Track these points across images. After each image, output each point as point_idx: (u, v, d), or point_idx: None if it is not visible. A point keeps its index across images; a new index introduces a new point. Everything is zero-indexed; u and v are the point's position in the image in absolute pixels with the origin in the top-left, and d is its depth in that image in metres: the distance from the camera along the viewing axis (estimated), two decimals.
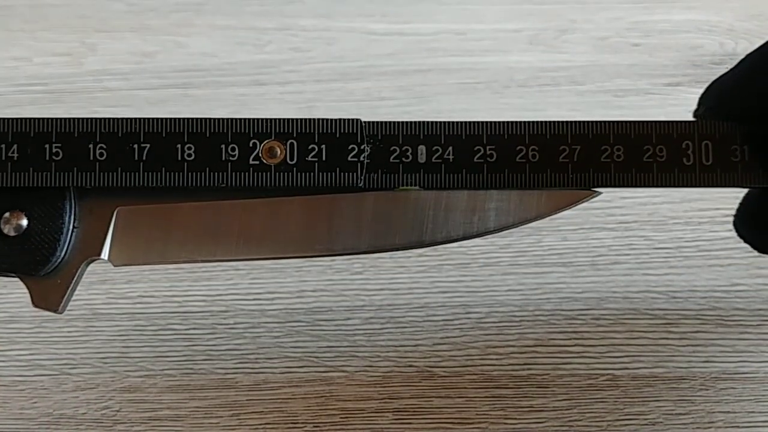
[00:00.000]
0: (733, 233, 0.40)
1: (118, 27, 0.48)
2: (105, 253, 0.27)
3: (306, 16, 0.48)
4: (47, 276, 0.27)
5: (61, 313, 0.27)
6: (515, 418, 0.37)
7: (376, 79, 0.46)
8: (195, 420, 0.37)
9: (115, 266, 0.27)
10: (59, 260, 0.27)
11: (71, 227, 0.27)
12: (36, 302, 0.27)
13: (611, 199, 0.41)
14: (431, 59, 0.46)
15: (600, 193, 0.28)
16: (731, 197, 0.41)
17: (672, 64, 0.46)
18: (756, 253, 0.39)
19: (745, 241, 0.30)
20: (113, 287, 0.40)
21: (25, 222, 0.27)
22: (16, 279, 0.27)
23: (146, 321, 0.39)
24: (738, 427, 0.37)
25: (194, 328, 0.39)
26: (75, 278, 0.27)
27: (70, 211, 0.27)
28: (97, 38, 0.47)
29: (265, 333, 0.39)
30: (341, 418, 0.37)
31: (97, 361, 0.39)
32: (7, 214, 0.27)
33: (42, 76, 0.46)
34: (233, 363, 0.38)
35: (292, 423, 0.37)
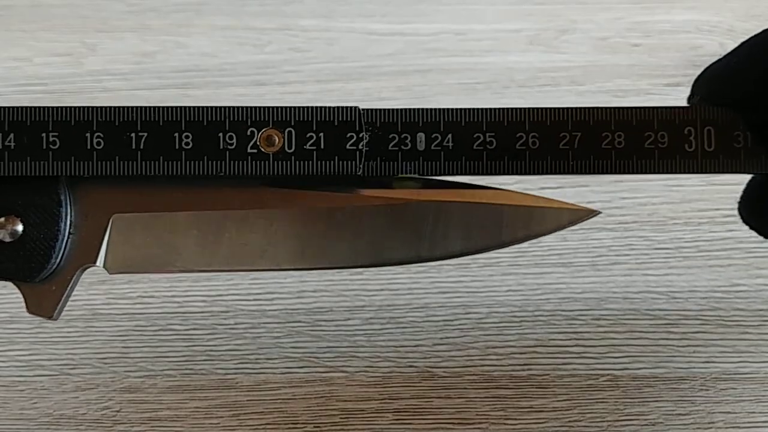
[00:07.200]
0: (733, 233, 0.40)
1: (118, 27, 0.48)
2: (100, 261, 0.27)
3: (306, 16, 0.48)
4: (42, 282, 0.27)
5: (55, 319, 0.27)
6: (515, 419, 0.37)
7: (376, 79, 0.46)
8: (195, 420, 0.37)
9: (110, 274, 0.27)
10: (54, 267, 0.27)
11: (67, 234, 0.27)
12: (30, 308, 0.27)
13: (611, 199, 0.41)
14: (431, 59, 0.46)
15: (600, 212, 0.28)
16: (731, 197, 0.41)
17: (672, 65, 0.46)
18: (756, 254, 0.40)
19: (751, 228, 0.29)
20: (113, 287, 0.40)
21: (20, 228, 0.26)
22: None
23: (146, 321, 0.39)
24: (738, 427, 0.37)
25: (194, 329, 0.39)
26: (70, 285, 0.27)
27: (66, 218, 0.27)
28: (98, 38, 0.47)
29: (265, 333, 0.39)
30: (341, 418, 0.37)
31: (97, 362, 0.39)
32: (1, 220, 0.26)
33: (42, 76, 0.46)
34: (233, 363, 0.38)
35: (292, 423, 0.37)
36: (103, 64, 0.47)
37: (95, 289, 0.40)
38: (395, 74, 0.46)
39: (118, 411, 0.38)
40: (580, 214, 0.28)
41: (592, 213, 0.28)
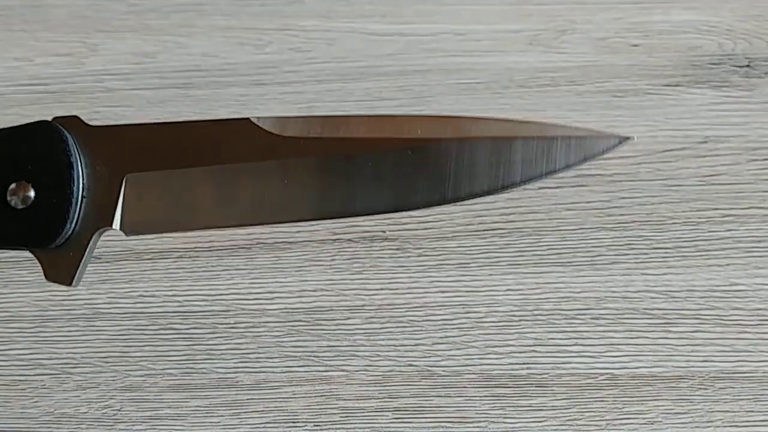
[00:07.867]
0: (732, 233, 0.40)
1: (119, 27, 0.48)
2: (116, 223, 0.26)
3: (306, 16, 0.48)
4: (58, 248, 0.26)
5: (74, 286, 0.26)
6: (515, 417, 0.37)
7: (376, 79, 0.46)
8: (196, 419, 0.37)
9: (127, 235, 0.26)
10: (70, 232, 0.26)
11: (80, 197, 0.26)
12: (48, 276, 0.26)
13: (610, 199, 0.41)
14: (431, 59, 0.46)
15: (632, 138, 0.26)
16: (730, 197, 0.41)
17: (671, 65, 0.46)
18: (755, 253, 0.40)
19: None
20: (114, 286, 0.40)
21: (32, 193, 0.26)
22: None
23: (147, 320, 0.39)
24: (737, 426, 0.37)
25: (195, 328, 0.39)
26: (87, 250, 0.26)
27: (78, 181, 0.26)
28: (98, 38, 0.48)
29: (265, 332, 0.39)
30: (341, 417, 0.37)
31: (98, 361, 0.39)
32: (13, 186, 0.26)
33: (43, 76, 0.46)
34: (234, 362, 0.38)
35: (292, 422, 0.37)
36: (104, 64, 0.47)
37: (96, 288, 0.40)
38: (395, 74, 0.46)
39: (119, 410, 0.38)
40: (609, 143, 0.26)
41: (623, 140, 0.26)
